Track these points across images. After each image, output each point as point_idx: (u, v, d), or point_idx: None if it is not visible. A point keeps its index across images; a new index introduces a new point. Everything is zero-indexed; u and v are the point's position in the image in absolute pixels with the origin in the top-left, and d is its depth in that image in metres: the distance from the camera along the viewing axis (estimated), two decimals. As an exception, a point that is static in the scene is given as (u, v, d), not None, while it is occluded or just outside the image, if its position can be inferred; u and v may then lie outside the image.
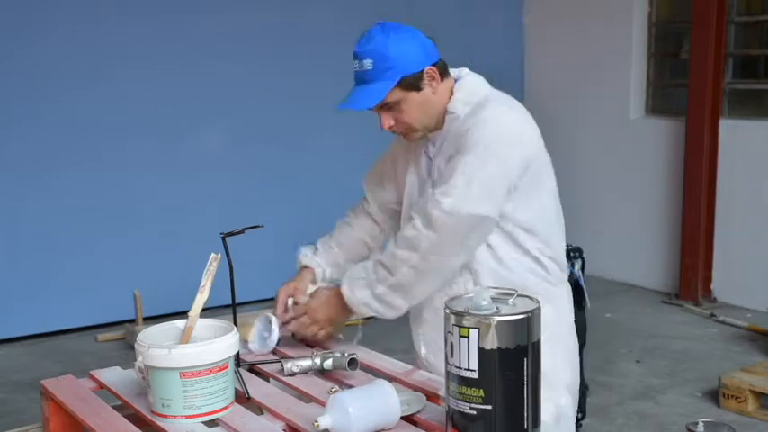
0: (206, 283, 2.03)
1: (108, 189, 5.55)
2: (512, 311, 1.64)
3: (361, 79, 2.14)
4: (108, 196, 5.55)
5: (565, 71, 6.77)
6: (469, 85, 2.19)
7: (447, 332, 1.66)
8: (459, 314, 1.64)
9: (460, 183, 2.04)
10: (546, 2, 6.96)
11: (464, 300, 1.70)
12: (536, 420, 1.67)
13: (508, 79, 7.29)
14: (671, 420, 4.11)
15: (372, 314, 2.18)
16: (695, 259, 5.97)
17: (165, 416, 1.91)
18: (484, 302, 1.64)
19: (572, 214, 7.76)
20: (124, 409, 2.06)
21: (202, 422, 1.90)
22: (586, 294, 3.71)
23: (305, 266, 2.54)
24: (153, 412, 1.94)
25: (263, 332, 2.39)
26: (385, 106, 2.14)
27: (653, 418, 4.19)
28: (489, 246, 2.13)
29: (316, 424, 1.75)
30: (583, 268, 3.77)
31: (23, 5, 5.21)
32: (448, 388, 1.69)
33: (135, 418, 1.99)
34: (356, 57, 2.16)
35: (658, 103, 6.47)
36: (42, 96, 5.31)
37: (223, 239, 2.19)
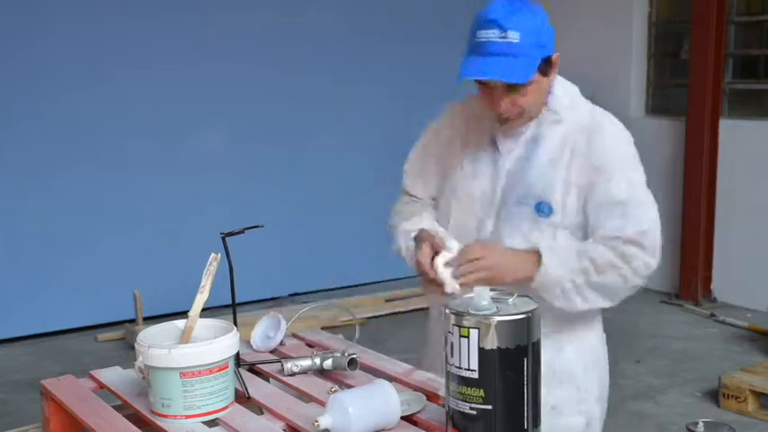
0: (206, 283, 2.03)
1: (108, 189, 5.55)
2: (511, 311, 1.64)
3: (501, 51, 1.93)
4: (108, 196, 5.55)
5: (564, 71, 6.75)
6: (571, 88, 2.15)
7: (447, 332, 1.66)
8: (459, 314, 1.64)
9: (647, 203, 2.06)
10: (546, 2, 6.94)
11: (465, 300, 1.70)
12: (536, 420, 1.67)
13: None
14: (671, 420, 4.11)
15: (551, 294, 1.99)
16: (695, 259, 5.97)
17: (165, 416, 1.91)
18: (484, 303, 1.65)
19: (572, 214, 7.66)
20: (124, 409, 2.06)
21: (202, 422, 1.90)
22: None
23: (417, 235, 2.16)
24: (153, 412, 1.94)
25: (269, 331, 2.39)
26: (512, 85, 1.97)
27: (653, 418, 4.19)
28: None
29: (316, 424, 1.75)
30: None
31: (23, 5, 5.21)
32: (448, 388, 1.69)
33: (135, 418, 1.99)
34: (495, 24, 1.93)
35: (658, 103, 6.47)
36: (42, 96, 5.31)
37: (223, 239, 2.19)
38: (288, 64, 5.99)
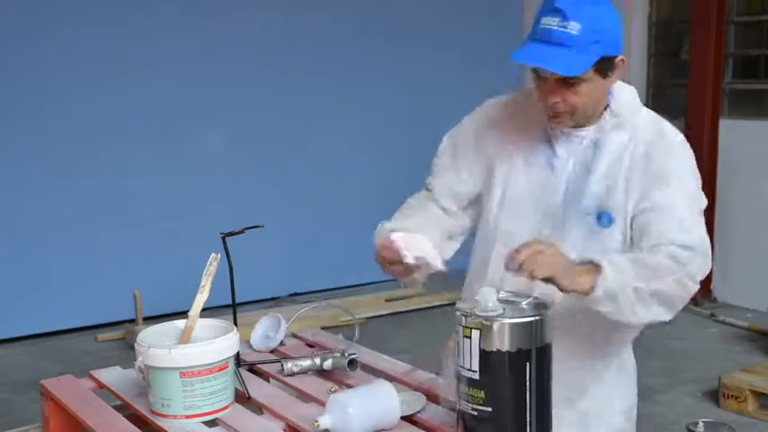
0: (206, 283, 2.03)
1: (108, 189, 5.55)
2: (517, 315, 1.62)
3: (558, 40, 1.84)
4: (108, 196, 5.55)
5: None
6: (631, 91, 2.08)
7: (454, 331, 1.66)
8: (464, 314, 1.64)
9: (700, 215, 2.01)
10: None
11: (474, 300, 1.68)
12: (541, 428, 1.65)
13: (508, 79, 7.31)
14: (671, 420, 4.11)
15: (606, 306, 1.84)
16: (695, 259, 5.96)
17: (165, 416, 1.91)
18: (490, 304, 1.64)
19: (572, 214, 7.68)
20: (124, 409, 2.06)
21: (202, 422, 1.91)
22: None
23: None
24: (153, 412, 1.94)
25: (269, 331, 2.40)
26: (565, 79, 1.88)
27: (653, 418, 4.19)
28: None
29: (316, 424, 1.75)
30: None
31: (23, 5, 5.21)
32: (458, 388, 1.68)
33: (135, 418, 1.99)
34: (559, 13, 1.85)
35: (658, 103, 6.46)
36: (42, 96, 5.31)
37: (223, 239, 2.19)
38: (288, 64, 5.99)
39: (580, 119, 1.98)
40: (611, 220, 1.98)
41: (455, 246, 2.19)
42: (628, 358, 2.18)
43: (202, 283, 2.03)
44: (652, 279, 1.87)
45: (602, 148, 2.00)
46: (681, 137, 2.07)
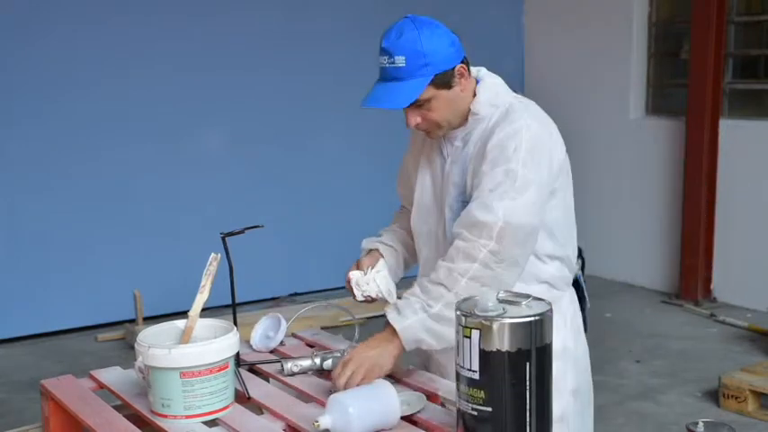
0: (206, 283, 2.03)
1: (108, 189, 5.55)
2: (517, 314, 1.62)
3: (392, 76, 2.03)
4: (108, 196, 5.55)
5: (565, 71, 6.77)
6: (494, 87, 2.15)
7: (455, 331, 1.66)
8: (464, 314, 1.64)
9: (511, 191, 1.98)
10: (546, 2, 6.96)
11: (474, 300, 1.69)
12: (542, 428, 1.65)
13: (508, 79, 7.31)
14: (671, 420, 4.11)
15: (427, 343, 2.01)
16: (695, 259, 5.97)
17: (165, 416, 1.91)
18: (490, 304, 1.64)
19: (572, 214, 7.62)
20: (124, 409, 2.06)
21: (202, 422, 1.91)
22: (586, 294, 3.70)
23: (370, 250, 2.39)
24: (153, 412, 1.94)
25: (269, 331, 2.40)
26: (414, 104, 2.06)
27: (653, 418, 4.19)
28: None
29: (316, 424, 1.75)
30: (583, 268, 3.76)
31: (23, 5, 5.21)
32: (458, 388, 1.68)
33: (135, 418, 1.99)
34: (386, 52, 2.04)
35: (658, 103, 6.47)
36: (42, 96, 5.31)
37: (223, 239, 2.19)
38: (288, 64, 5.99)
39: (450, 127, 2.14)
40: None
41: None
42: (567, 343, 2.18)
43: (202, 283, 2.03)
44: (445, 293, 1.98)
45: (469, 142, 2.14)
46: (520, 123, 2.05)
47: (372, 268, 2.29)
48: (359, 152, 6.33)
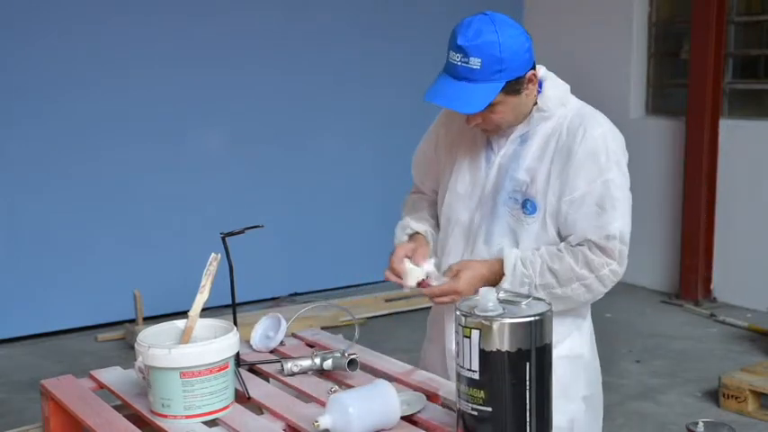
0: (206, 283, 2.03)
1: (108, 189, 5.55)
2: (517, 314, 1.62)
3: (463, 75, 1.98)
4: (108, 196, 5.55)
5: (564, 71, 6.75)
6: (562, 86, 2.14)
7: (455, 331, 1.66)
8: (464, 314, 1.64)
9: (620, 207, 2.07)
10: (546, 2, 6.96)
11: (474, 300, 1.69)
12: (542, 428, 1.65)
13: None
14: (671, 420, 4.11)
15: None
16: (695, 259, 5.97)
17: (165, 416, 1.91)
18: (490, 304, 1.64)
19: (572, 214, 7.59)
20: (124, 409, 2.06)
21: (202, 422, 1.90)
22: (586, 294, 3.71)
23: (413, 234, 2.32)
24: (153, 412, 1.94)
25: (269, 331, 2.40)
26: None
27: (653, 418, 4.19)
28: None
29: (316, 424, 1.75)
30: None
31: (23, 5, 5.21)
32: (458, 388, 1.68)
33: (135, 418, 1.99)
34: (461, 50, 1.97)
35: (658, 102, 6.47)
36: (42, 96, 5.31)
37: (223, 239, 2.19)
38: (288, 64, 5.99)
39: (506, 128, 2.13)
40: (535, 208, 2.10)
41: None
42: (582, 351, 2.19)
43: (202, 283, 2.03)
44: (558, 286, 2.05)
45: (530, 140, 2.12)
46: (608, 127, 2.10)
47: (425, 259, 2.19)
48: (359, 152, 6.33)
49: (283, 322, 2.39)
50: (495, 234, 2.14)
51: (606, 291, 2.10)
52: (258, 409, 2.05)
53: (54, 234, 5.41)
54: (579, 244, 2.06)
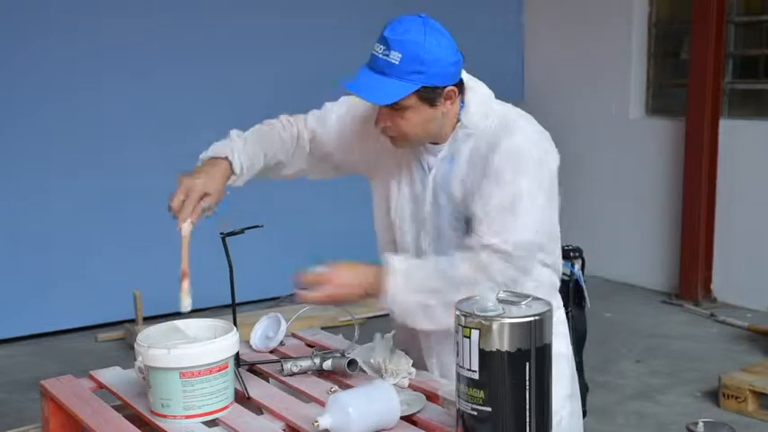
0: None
1: (108, 189, 5.55)
2: (517, 314, 1.62)
3: (381, 68, 1.94)
4: (108, 196, 5.54)
5: (565, 71, 6.77)
6: (482, 98, 2.07)
7: (455, 331, 1.66)
8: (463, 314, 1.64)
9: (525, 215, 1.95)
10: (546, 2, 6.96)
11: (474, 300, 1.69)
12: (541, 428, 1.65)
13: (508, 79, 7.31)
14: (671, 420, 4.11)
15: (397, 315, 2.02)
16: (695, 259, 5.97)
17: (165, 416, 1.91)
18: (490, 304, 1.64)
19: (572, 214, 7.74)
20: (124, 409, 2.06)
21: (202, 422, 1.90)
22: (586, 294, 3.71)
23: (215, 159, 2.27)
24: (153, 412, 1.94)
25: (269, 331, 2.40)
26: (392, 106, 1.97)
27: (653, 418, 4.19)
28: None
29: (316, 424, 1.75)
30: (583, 268, 3.77)
31: (23, 5, 5.21)
32: (457, 388, 1.68)
33: (135, 418, 1.99)
34: (385, 42, 1.93)
35: (658, 103, 6.47)
36: (42, 97, 5.30)
37: (223, 239, 2.20)
38: (288, 64, 5.98)
39: (414, 144, 2.07)
40: (469, 224, 2.04)
41: (281, 175, 2.41)
42: (561, 348, 2.15)
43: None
44: (450, 291, 1.90)
45: (457, 158, 2.06)
46: (519, 138, 2.00)
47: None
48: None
49: (283, 322, 2.39)
50: (444, 251, 2.06)
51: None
52: (258, 409, 2.04)
53: (54, 234, 5.41)
54: (473, 246, 1.97)
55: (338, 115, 2.25)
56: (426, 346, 2.21)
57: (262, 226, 2.36)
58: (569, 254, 3.71)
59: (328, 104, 2.32)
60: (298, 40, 6.03)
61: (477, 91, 2.07)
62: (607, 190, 6.59)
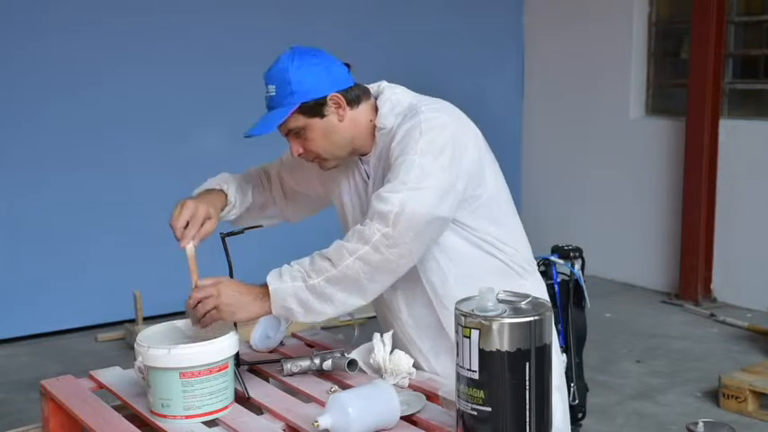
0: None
1: (108, 189, 5.55)
2: (516, 314, 1.62)
3: (268, 105, 2.11)
4: (108, 196, 5.55)
5: (565, 71, 6.77)
6: (393, 97, 2.12)
7: (455, 331, 1.66)
8: (463, 314, 1.64)
9: (409, 181, 1.94)
10: (546, 2, 6.96)
11: (474, 300, 1.69)
12: (541, 427, 1.65)
13: (508, 79, 7.32)
14: (671, 420, 4.11)
15: (295, 312, 1.95)
16: (695, 259, 5.97)
17: (165, 416, 1.91)
18: (489, 304, 1.64)
19: (572, 214, 7.74)
20: (124, 409, 2.06)
21: (202, 422, 1.91)
22: (586, 294, 3.71)
23: (211, 190, 2.36)
24: (153, 412, 1.94)
25: (269, 331, 2.40)
26: (292, 133, 2.09)
27: (653, 418, 4.19)
28: (443, 249, 2.05)
29: (315, 424, 1.75)
30: (583, 268, 3.77)
31: (23, 5, 5.21)
32: (458, 388, 1.68)
33: (135, 418, 1.99)
34: (265, 80, 2.12)
35: (658, 103, 6.47)
36: (43, 96, 5.31)
37: (223, 239, 2.20)
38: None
39: (336, 159, 2.13)
40: None
41: (266, 216, 2.49)
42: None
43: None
44: (329, 269, 1.92)
45: (381, 159, 2.11)
46: (415, 120, 2.02)
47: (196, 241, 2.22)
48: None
49: (283, 322, 2.39)
50: None
51: (388, 261, 1.92)
52: (258, 409, 2.05)
53: (54, 234, 5.41)
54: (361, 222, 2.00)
55: (294, 157, 2.26)
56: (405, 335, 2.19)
57: (262, 226, 2.36)
58: (569, 254, 3.71)
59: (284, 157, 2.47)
60: (298, 40, 6.02)
61: (386, 94, 2.13)
62: (607, 190, 6.59)
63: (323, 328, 2.97)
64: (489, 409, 1.62)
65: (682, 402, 4.35)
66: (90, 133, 5.47)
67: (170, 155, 5.71)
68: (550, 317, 1.64)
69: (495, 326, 1.59)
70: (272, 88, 2.09)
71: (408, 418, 1.88)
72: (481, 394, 1.62)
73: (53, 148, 5.37)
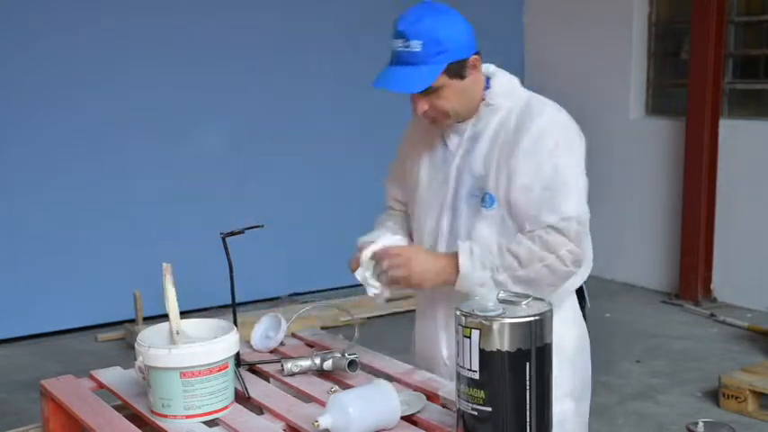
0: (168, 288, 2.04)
1: (108, 189, 5.55)
2: (517, 314, 1.62)
3: (406, 60, 2.04)
4: (108, 196, 5.55)
5: (565, 71, 6.77)
6: (510, 80, 2.17)
7: (455, 330, 1.66)
8: (464, 314, 1.64)
9: (573, 189, 2.03)
10: (546, 2, 6.96)
11: (474, 300, 1.69)
12: (542, 427, 1.65)
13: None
14: (671, 420, 4.11)
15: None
16: (695, 259, 5.97)
17: (165, 416, 1.91)
18: (490, 304, 1.64)
19: (572, 214, 7.56)
20: (124, 409, 2.06)
21: (202, 422, 1.91)
22: (586, 294, 3.71)
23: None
24: (153, 412, 1.94)
25: (269, 331, 2.40)
26: (425, 91, 2.06)
27: (653, 418, 4.19)
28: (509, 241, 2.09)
29: (316, 424, 1.75)
30: (583, 268, 3.76)
31: (23, 5, 5.21)
32: (458, 388, 1.68)
33: (135, 417, 1.99)
34: (401, 35, 2.04)
35: (658, 103, 6.47)
36: (43, 96, 5.31)
37: (223, 239, 2.19)
38: (289, 64, 5.99)
39: (458, 118, 2.14)
40: (492, 201, 2.09)
41: None
42: (565, 343, 2.14)
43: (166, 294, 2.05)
44: (519, 267, 2.01)
45: (481, 134, 2.13)
46: (548, 117, 2.09)
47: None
48: (359, 151, 6.32)
49: (283, 322, 2.39)
50: (461, 233, 2.13)
51: (570, 273, 2.05)
52: (258, 409, 2.05)
53: (54, 234, 5.41)
54: (533, 227, 2.04)
55: (393, 169, 2.42)
56: (444, 320, 2.21)
57: (262, 226, 2.36)
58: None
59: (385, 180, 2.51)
60: (298, 40, 6.03)
61: (502, 77, 2.17)
62: (607, 190, 6.58)
63: (323, 328, 2.97)
64: (490, 409, 1.62)
65: (682, 402, 4.35)
66: (90, 133, 5.47)
67: (170, 155, 5.71)
68: (550, 317, 1.64)
69: (495, 326, 1.60)
70: (416, 44, 2.01)
71: (408, 418, 1.88)
72: (482, 394, 1.62)
73: (53, 148, 5.37)
